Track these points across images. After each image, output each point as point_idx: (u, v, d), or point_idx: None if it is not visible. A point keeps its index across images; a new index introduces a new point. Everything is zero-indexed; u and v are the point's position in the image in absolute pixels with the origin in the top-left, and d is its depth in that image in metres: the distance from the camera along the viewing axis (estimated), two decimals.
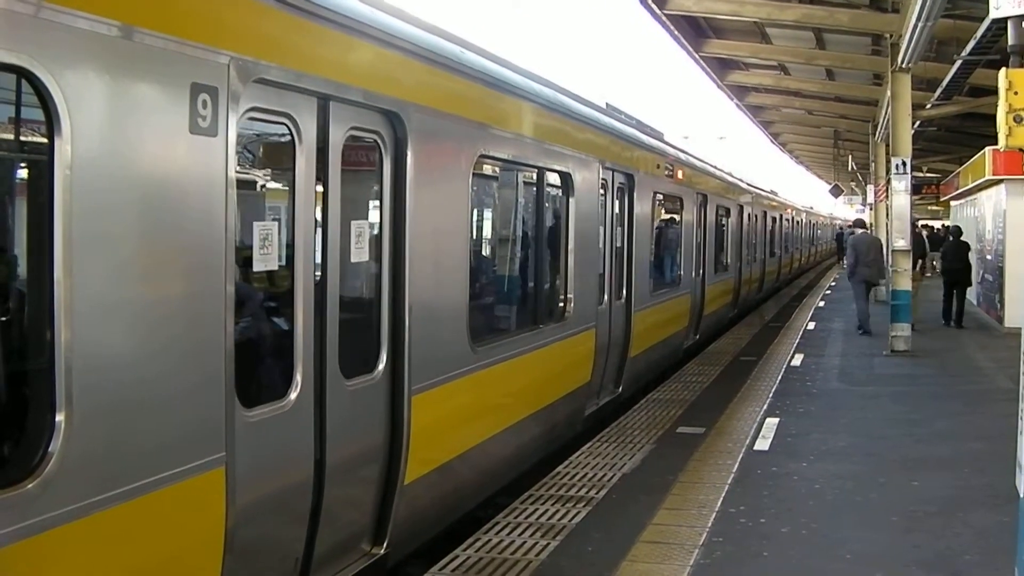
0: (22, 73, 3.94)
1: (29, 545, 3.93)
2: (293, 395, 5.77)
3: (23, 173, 4.53)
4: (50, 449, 4.03)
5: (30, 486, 3.95)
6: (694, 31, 25.63)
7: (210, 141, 4.89)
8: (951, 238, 24.70)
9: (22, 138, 4.37)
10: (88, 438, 4.19)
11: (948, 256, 23.93)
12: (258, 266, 5.60)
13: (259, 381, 5.82)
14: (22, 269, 4.43)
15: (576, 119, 11.13)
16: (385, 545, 6.84)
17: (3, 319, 4.45)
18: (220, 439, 5.00)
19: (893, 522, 8.16)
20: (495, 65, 8.95)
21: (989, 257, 24.12)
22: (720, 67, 30.35)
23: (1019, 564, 6.05)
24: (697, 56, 27.03)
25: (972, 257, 26.03)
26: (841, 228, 68.59)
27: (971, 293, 27.46)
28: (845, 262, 22.69)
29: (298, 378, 5.80)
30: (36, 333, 4.22)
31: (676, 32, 24.17)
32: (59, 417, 4.06)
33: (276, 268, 5.78)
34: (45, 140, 4.07)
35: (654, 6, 21.69)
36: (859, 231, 23.89)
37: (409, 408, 6.91)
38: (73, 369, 4.10)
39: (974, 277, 26.66)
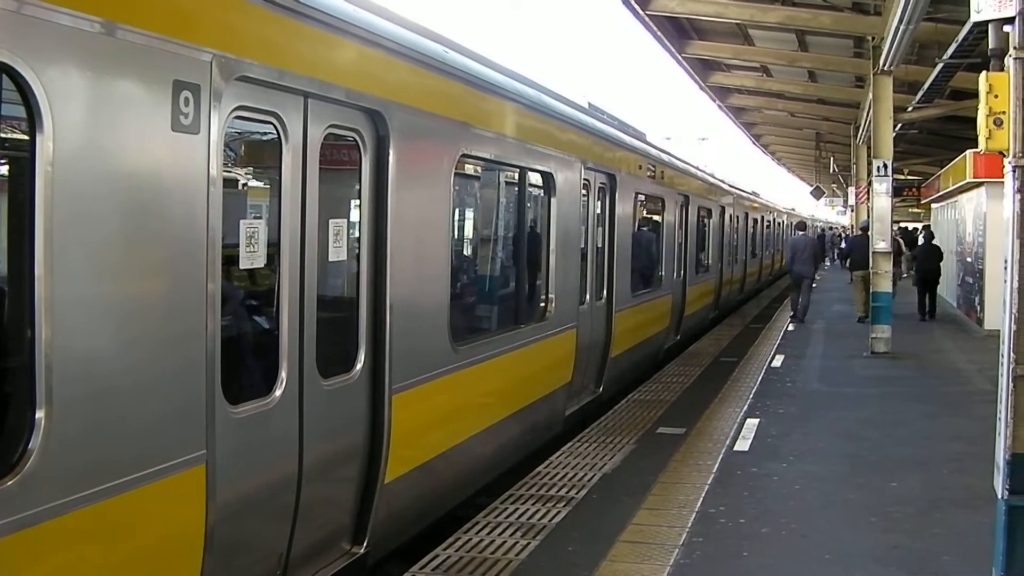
0: (3, 69, 3.91)
1: (9, 543, 3.91)
2: (278, 392, 5.78)
3: (3, 169, 4.50)
4: (30, 446, 4.01)
5: (10, 483, 3.92)
6: (677, 32, 25.68)
7: (192, 139, 4.87)
8: (923, 241, 27.36)
9: (3, 135, 4.34)
10: (68, 435, 4.18)
11: (922, 258, 26.13)
12: (244, 264, 5.61)
13: (244, 378, 5.80)
14: (2, 266, 4.41)
15: (558, 119, 11.11)
16: (365, 544, 6.82)
17: None
18: (201, 437, 4.99)
19: (872, 523, 8.18)
20: (478, 64, 8.93)
21: (969, 260, 24.25)
22: (702, 68, 30.44)
23: (997, 564, 6.08)
24: (680, 57, 27.12)
25: (950, 259, 26.46)
26: (822, 230, 68.86)
27: (951, 295, 27.73)
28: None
29: (283, 375, 5.81)
30: (16, 329, 4.19)
31: (659, 33, 24.21)
32: (39, 414, 4.05)
33: (262, 266, 5.78)
34: (26, 136, 4.05)
35: (637, 7, 21.71)
36: (799, 233, 27.41)
37: (389, 407, 6.88)
38: (53, 366, 4.09)
39: (954, 280, 27.01)
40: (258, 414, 5.62)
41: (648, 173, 16.10)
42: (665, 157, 18.84)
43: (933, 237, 28.11)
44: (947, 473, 9.81)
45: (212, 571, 5.13)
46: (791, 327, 23.31)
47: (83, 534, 4.31)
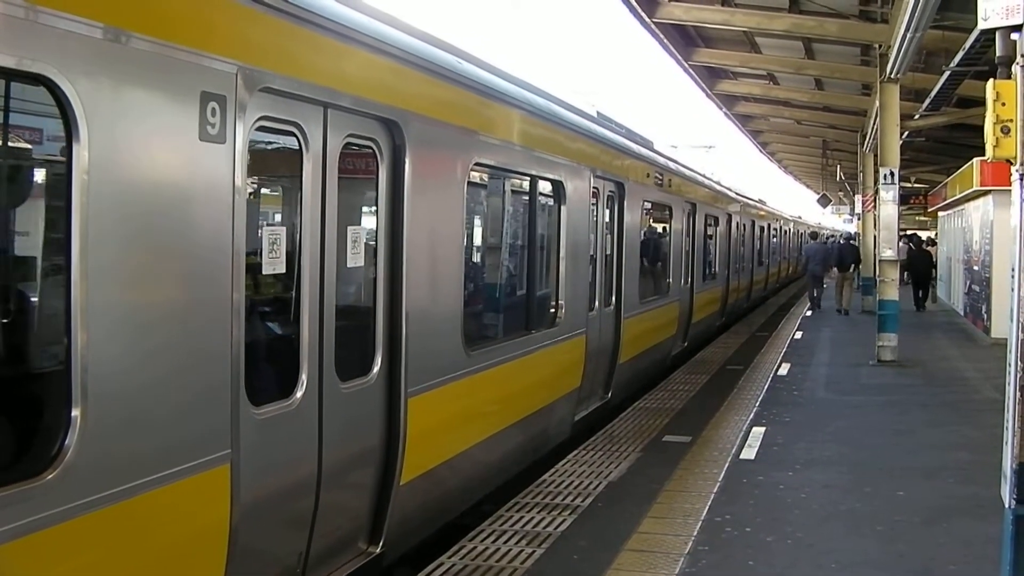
0: (43, 81, 4.06)
1: (47, 536, 4.04)
2: (299, 394, 5.93)
3: (44, 178, 4.70)
4: (67, 442, 4.16)
5: (50, 477, 4.07)
6: (683, 40, 25.69)
7: (219, 148, 5.03)
8: (914, 247, 33.41)
9: (42, 144, 4.54)
10: (102, 433, 4.32)
11: (916, 263, 32.00)
12: (267, 269, 5.79)
13: (266, 380, 5.92)
14: (43, 271, 4.63)
15: (568, 128, 11.21)
16: (381, 544, 6.93)
17: (25, 319, 4.68)
18: (226, 436, 5.14)
19: (878, 531, 8.16)
20: (489, 74, 9.04)
21: (976, 268, 24.20)
22: (709, 76, 30.45)
23: (1004, 574, 6.06)
24: (686, 65, 27.11)
25: (957, 267, 26.52)
26: (827, 238, 68.76)
27: (958, 304, 27.74)
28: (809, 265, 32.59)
29: (303, 378, 5.96)
30: (54, 332, 4.36)
31: (666, 41, 24.22)
32: (75, 412, 4.20)
33: (283, 271, 5.93)
34: (64, 146, 4.20)
35: (644, 14, 21.73)
36: (812, 242, 35.97)
37: (405, 410, 7.00)
38: (88, 366, 4.23)
39: (961, 288, 27.04)
40: (280, 415, 5.76)
41: (655, 181, 16.16)
42: (672, 165, 18.87)
43: (922, 244, 35.49)
44: (953, 482, 9.77)
45: (236, 567, 5.25)
46: (798, 335, 23.31)
47: (117, 528, 4.44)
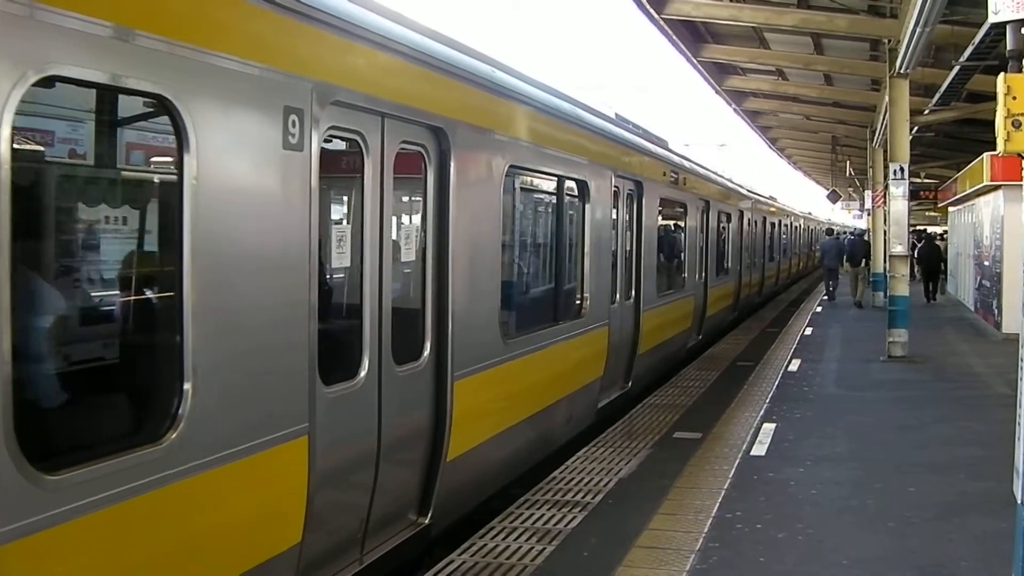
0: (159, 99, 4.66)
1: (168, 492, 4.65)
2: (362, 374, 6.54)
3: (162, 184, 5.30)
4: (180, 411, 4.78)
5: (173, 436, 4.71)
6: (692, 36, 25.68)
7: (298, 155, 5.64)
8: (924, 242, 34.20)
9: (158, 155, 5.26)
10: (207, 405, 4.92)
11: (923, 257, 32.92)
12: (335, 263, 6.50)
13: (335, 363, 6.40)
14: (162, 265, 5.20)
15: (591, 131, 11.76)
16: (429, 516, 7.51)
17: (149, 305, 5.45)
18: (305, 412, 5.76)
19: (890, 528, 8.14)
20: (521, 82, 9.61)
21: (986, 263, 24.12)
22: (718, 72, 30.43)
23: (1016, 570, 6.04)
24: (695, 61, 27.10)
25: (968, 263, 26.39)
26: (837, 234, 68.62)
27: (968, 299, 27.67)
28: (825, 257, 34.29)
29: (366, 361, 6.58)
30: (170, 318, 4.91)
31: (674, 37, 24.21)
32: (187, 385, 4.81)
33: (348, 265, 6.62)
34: (176, 156, 4.80)
35: (652, 11, 21.72)
36: (827, 237, 36.76)
37: (452, 392, 7.60)
38: (198, 349, 4.84)
39: (971, 283, 26.96)
40: (347, 394, 6.38)
41: (671, 179, 16.60)
42: (687, 164, 19.16)
43: (934, 238, 36.41)
44: (965, 478, 9.75)
45: (312, 527, 5.86)
46: (808, 331, 23.30)
47: (219, 490, 5.05)
